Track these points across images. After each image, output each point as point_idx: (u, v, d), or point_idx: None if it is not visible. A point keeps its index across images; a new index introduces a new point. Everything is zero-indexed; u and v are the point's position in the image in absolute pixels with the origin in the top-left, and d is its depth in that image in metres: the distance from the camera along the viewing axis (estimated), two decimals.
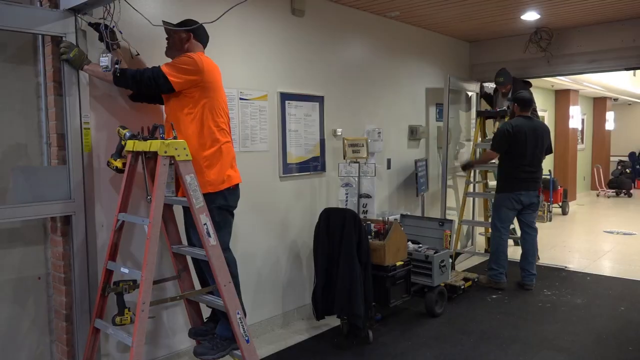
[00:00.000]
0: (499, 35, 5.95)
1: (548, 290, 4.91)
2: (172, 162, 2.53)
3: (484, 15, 5.05)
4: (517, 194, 4.84)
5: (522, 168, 4.82)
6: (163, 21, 2.86)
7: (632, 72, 10.46)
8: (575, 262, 5.85)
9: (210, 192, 2.76)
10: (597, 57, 5.40)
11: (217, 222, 2.77)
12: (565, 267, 5.72)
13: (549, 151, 5.02)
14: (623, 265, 5.82)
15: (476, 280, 4.98)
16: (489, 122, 6.18)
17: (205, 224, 2.58)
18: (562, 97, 10.49)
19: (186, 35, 2.86)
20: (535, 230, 5.02)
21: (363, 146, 4.30)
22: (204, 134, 2.77)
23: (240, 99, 3.68)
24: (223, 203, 2.84)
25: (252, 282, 3.84)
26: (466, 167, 5.57)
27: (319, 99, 4.30)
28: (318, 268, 3.75)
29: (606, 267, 5.74)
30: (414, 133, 5.44)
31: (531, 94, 5.14)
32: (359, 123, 4.75)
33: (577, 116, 10.81)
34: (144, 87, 2.70)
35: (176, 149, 2.51)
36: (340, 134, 4.48)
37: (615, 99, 12.72)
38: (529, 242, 4.98)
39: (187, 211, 2.83)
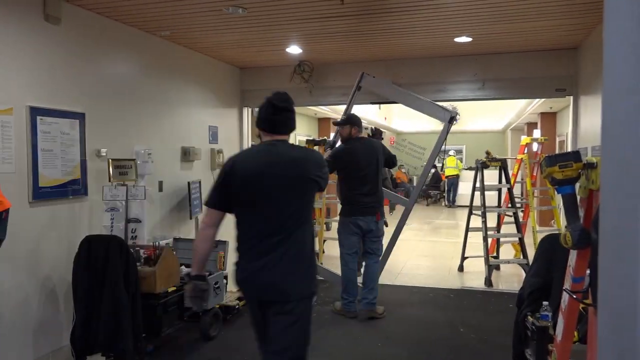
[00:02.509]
0: (268, 64, 6.34)
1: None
2: None
3: (252, 45, 5.32)
4: (355, 219, 4.63)
5: (359, 192, 4.61)
6: None
7: (377, 105, 12.29)
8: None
9: None
10: (347, 92, 6.15)
11: None
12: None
13: (390, 164, 5.01)
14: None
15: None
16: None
17: None
18: (324, 125, 11.66)
19: None
20: (378, 257, 4.82)
21: (131, 168, 4.09)
22: None
23: None
24: None
25: None
26: None
27: (80, 116, 3.93)
28: (78, 303, 3.39)
29: None
30: (187, 154, 5.38)
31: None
32: (127, 143, 4.48)
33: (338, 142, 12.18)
34: None
35: None
36: (105, 154, 4.15)
37: (366, 128, 14.70)
38: (369, 270, 4.76)
39: None
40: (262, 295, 2.31)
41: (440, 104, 5.29)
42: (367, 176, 4.64)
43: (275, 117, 2.37)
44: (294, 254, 2.29)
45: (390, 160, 4.99)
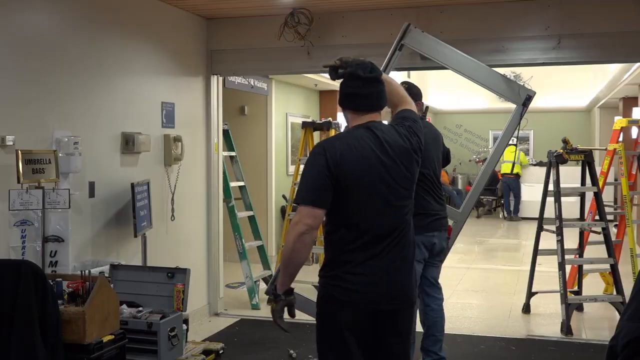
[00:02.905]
0: (247, 12, 6.36)
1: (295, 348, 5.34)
2: None
3: None
4: (430, 236, 4.48)
5: (432, 197, 4.54)
6: None
7: (406, 73, 12.29)
8: None
9: None
10: (365, 52, 6.09)
11: None
12: None
13: (445, 162, 5.02)
14: None
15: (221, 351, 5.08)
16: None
17: None
18: (327, 100, 11.68)
19: None
20: (441, 290, 4.72)
21: (50, 163, 4.17)
22: None
23: None
24: None
25: None
26: None
27: None
28: None
29: None
30: (129, 144, 5.40)
31: None
32: (43, 127, 4.53)
33: (345, 123, 12.19)
34: None
35: None
36: (11, 143, 4.19)
37: None
38: (435, 311, 4.58)
39: None
40: (387, 302, 2.76)
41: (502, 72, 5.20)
42: (436, 175, 4.62)
43: (363, 90, 2.82)
44: (410, 254, 2.86)
45: (446, 157, 4.98)
